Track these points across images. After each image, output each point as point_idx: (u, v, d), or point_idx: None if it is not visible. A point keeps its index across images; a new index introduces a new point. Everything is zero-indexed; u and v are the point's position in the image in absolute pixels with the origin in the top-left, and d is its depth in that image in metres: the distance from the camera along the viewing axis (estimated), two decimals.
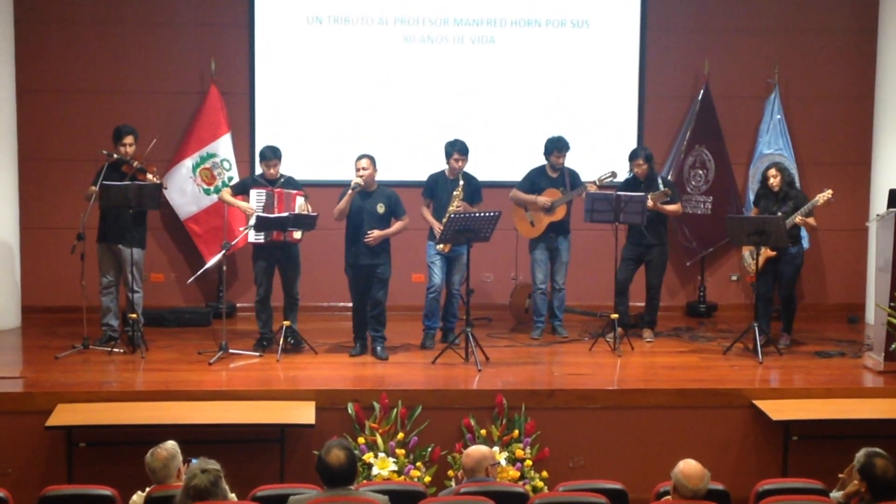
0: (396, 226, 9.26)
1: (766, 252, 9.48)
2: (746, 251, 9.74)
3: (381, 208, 9.19)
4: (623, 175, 10.14)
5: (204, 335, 10.11)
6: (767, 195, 9.64)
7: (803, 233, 9.92)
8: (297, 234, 9.26)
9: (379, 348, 9.28)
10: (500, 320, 10.82)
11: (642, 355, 9.60)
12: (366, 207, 9.15)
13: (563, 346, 9.88)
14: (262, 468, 7.67)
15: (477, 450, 6.27)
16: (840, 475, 5.97)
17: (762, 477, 6.84)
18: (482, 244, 9.33)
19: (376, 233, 9.13)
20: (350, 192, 9.06)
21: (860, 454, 5.62)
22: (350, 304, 9.50)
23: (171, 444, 5.83)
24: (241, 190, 9.49)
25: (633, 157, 9.97)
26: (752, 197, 11.19)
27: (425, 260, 9.74)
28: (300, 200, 9.28)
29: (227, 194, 9.57)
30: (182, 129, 10.92)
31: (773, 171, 9.60)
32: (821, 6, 11.48)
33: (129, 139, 9.41)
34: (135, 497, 5.87)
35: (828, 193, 9.37)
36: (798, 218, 9.33)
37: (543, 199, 9.90)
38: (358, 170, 9.12)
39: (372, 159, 9.16)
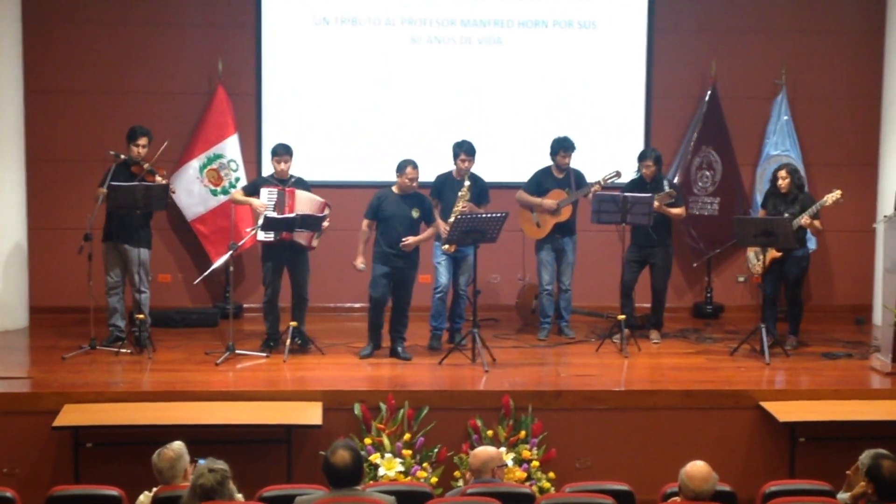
0: (428, 232, 9.29)
1: (771, 252, 9.48)
2: (751, 252, 9.75)
3: (415, 213, 9.20)
4: (627, 175, 10.14)
5: (211, 336, 10.13)
6: (776, 196, 9.63)
7: (809, 234, 9.91)
8: (315, 243, 9.27)
9: (400, 349, 9.28)
10: (506, 321, 10.81)
11: (649, 356, 9.60)
12: (402, 212, 9.16)
13: (570, 347, 9.88)
14: (268, 469, 7.67)
15: (484, 451, 6.28)
16: (847, 472, 5.97)
17: (769, 478, 6.85)
18: (489, 245, 9.33)
19: (411, 239, 9.12)
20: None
21: (865, 456, 5.61)
22: (357, 305, 9.47)
23: (177, 445, 5.84)
24: (252, 190, 9.48)
25: (642, 158, 9.97)
26: (759, 198, 11.20)
27: (432, 261, 9.75)
28: (326, 211, 9.28)
29: (238, 194, 9.59)
30: (189, 129, 10.92)
31: (782, 173, 9.59)
32: (828, 7, 11.47)
33: (143, 140, 9.43)
34: (141, 497, 5.88)
35: (837, 194, 9.36)
36: (804, 219, 9.32)
37: (549, 203, 9.90)
38: (413, 178, 9.12)
39: (416, 165, 9.20)
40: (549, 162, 10.08)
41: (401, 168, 9.18)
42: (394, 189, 9.23)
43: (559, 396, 8.30)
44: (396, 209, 9.12)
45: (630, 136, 11.32)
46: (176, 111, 10.98)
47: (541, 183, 10.05)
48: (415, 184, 9.18)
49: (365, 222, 9.19)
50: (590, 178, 10.01)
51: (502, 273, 11.22)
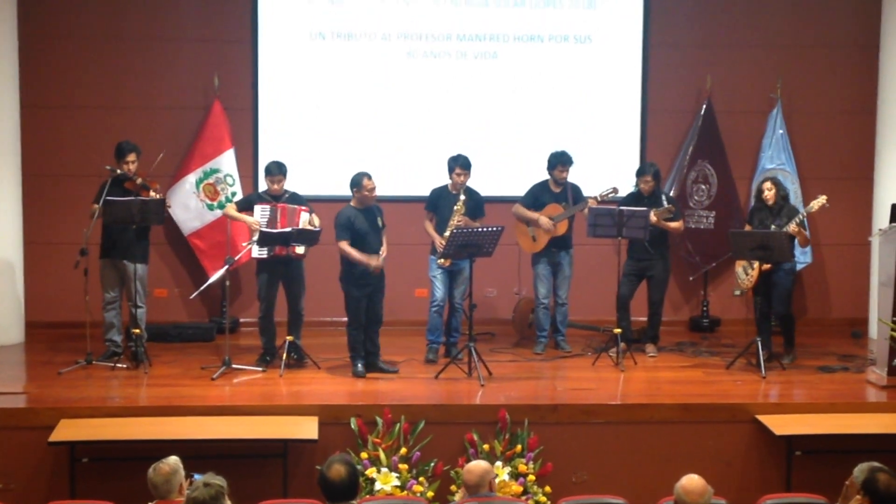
0: (385, 241, 9.29)
1: (758, 266, 9.46)
2: (739, 267, 9.71)
3: (380, 222, 9.22)
4: (625, 190, 10.16)
5: (207, 350, 10.12)
6: (762, 209, 9.64)
7: (798, 250, 9.90)
8: (300, 250, 9.28)
9: (382, 364, 9.28)
10: (503, 335, 10.80)
11: (645, 370, 9.59)
12: (371, 226, 9.15)
13: (567, 361, 9.88)
14: (264, 483, 7.66)
15: (477, 465, 6.23)
16: (846, 483, 5.96)
17: (765, 492, 6.84)
18: (485, 259, 9.33)
19: (384, 253, 9.15)
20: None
21: (860, 470, 5.60)
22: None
23: (173, 460, 5.83)
24: (246, 206, 9.51)
25: (640, 172, 9.98)
26: None
27: (427, 274, 9.75)
28: (305, 216, 9.30)
29: (231, 209, 9.61)
30: (185, 144, 10.93)
31: (767, 185, 9.61)
32: (823, 21, 11.50)
33: (131, 157, 9.44)
34: None
35: (822, 199, 9.39)
36: (792, 227, 9.32)
37: (545, 221, 9.88)
38: (372, 189, 9.09)
39: (370, 175, 9.18)
40: (545, 176, 10.10)
41: (357, 182, 9.11)
42: (353, 204, 9.17)
43: (555, 410, 8.30)
44: (367, 225, 9.11)
45: (626, 150, 11.35)
46: (172, 126, 10.99)
47: (538, 197, 10.06)
48: (374, 194, 9.17)
49: (344, 244, 9.07)
50: (586, 193, 10.03)
51: (498, 287, 11.22)
